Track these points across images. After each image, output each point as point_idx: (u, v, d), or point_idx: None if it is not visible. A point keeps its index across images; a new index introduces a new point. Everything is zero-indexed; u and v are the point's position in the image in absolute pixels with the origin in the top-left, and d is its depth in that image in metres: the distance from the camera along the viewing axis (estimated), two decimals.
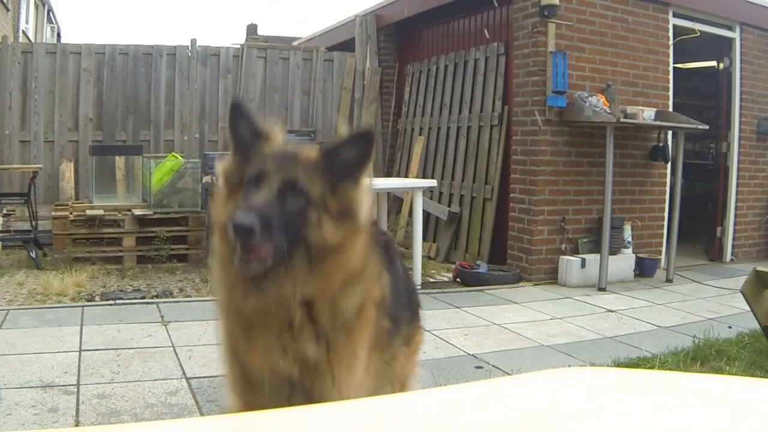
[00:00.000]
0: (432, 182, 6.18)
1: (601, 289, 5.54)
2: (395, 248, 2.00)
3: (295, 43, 10.82)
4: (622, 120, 5.57)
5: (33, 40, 15.78)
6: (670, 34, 6.48)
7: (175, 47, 7.83)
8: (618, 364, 3.52)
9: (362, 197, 1.51)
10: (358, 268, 1.50)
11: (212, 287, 1.62)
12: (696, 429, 0.64)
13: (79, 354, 3.47)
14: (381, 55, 8.53)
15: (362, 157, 1.51)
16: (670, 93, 6.50)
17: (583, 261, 5.72)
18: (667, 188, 6.59)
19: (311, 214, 1.45)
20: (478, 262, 6.08)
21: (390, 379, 1.81)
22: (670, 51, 6.48)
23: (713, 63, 7.76)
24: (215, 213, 1.56)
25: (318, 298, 1.46)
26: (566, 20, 5.82)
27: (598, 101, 5.65)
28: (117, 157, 7.23)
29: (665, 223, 6.53)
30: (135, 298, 4.82)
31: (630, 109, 5.83)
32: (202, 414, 2.78)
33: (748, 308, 3.79)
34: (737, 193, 7.21)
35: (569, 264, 5.72)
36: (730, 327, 4.32)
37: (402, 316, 1.83)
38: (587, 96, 5.70)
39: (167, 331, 3.96)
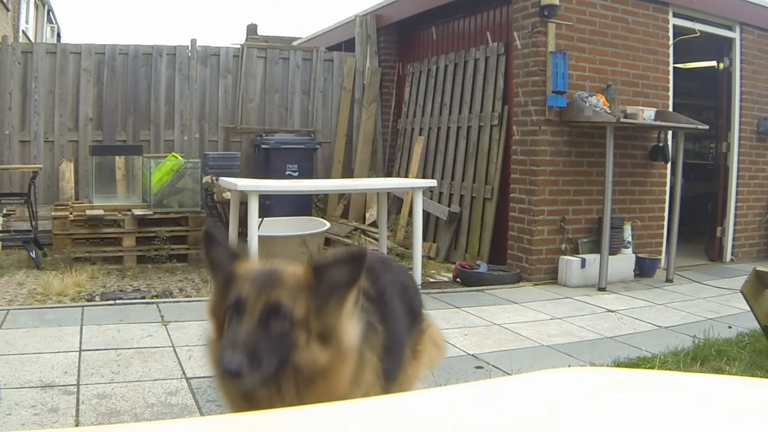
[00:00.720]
0: (432, 182, 6.17)
1: (601, 289, 5.54)
2: (386, 279, 1.90)
3: (295, 43, 10.82)
4: (622, 120, 5.57)
5: (33, 40, 15.78)
6: (670, 34, 6.48)
7: (175, 47, 7.83)
8: (618, 364, 3.52)
9: (347, 322, 1.46)
10: (346, 394, 1.47)
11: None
12: (696, 429, 0.64)
13: (79, 354, 3.47)
14: (381, 55, 8.53)
15: (351, 279, 1.45)
16: (670, 93, 6.50)
17: (583, 261, 5.72)
18: (667, 188, 6.59)
19: (298, 336, 1.41)
20: (478, 262, 6.08)
21: (398, 387, 1.83)
22: (670, 51, 6.48)
23: (713, 63, 7.76)
24: (210, 351, 1.55)
25: None
26: (566, 20, 5.82)
27: (598, 101, 5.65)
28: (117, 157, 7.23)
29: (665, 223, 6.53)
30: (135, 298, 4.82)
31: (630, 109, 5.83)
32: (202, 414, 2.78)
33: (748, 308, 3.79)
34: (737, 193, 7.21)
35: (569, 264, 5.72)
36: (730, 327, 4.32)
37: (401, 353, 1.84)
38: (587, 96, 5.70)
39: (167, 331, 3.96)
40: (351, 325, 1.47)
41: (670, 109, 6.41)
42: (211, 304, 1.54)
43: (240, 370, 1.33)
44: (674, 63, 6.58)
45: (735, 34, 7.04)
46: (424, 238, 6.54)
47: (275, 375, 1.39)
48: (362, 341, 1.53)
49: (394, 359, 1.76)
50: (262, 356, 1.36)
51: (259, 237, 5.02)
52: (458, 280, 5.78)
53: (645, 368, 3.35)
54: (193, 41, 7.87)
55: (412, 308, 2.03)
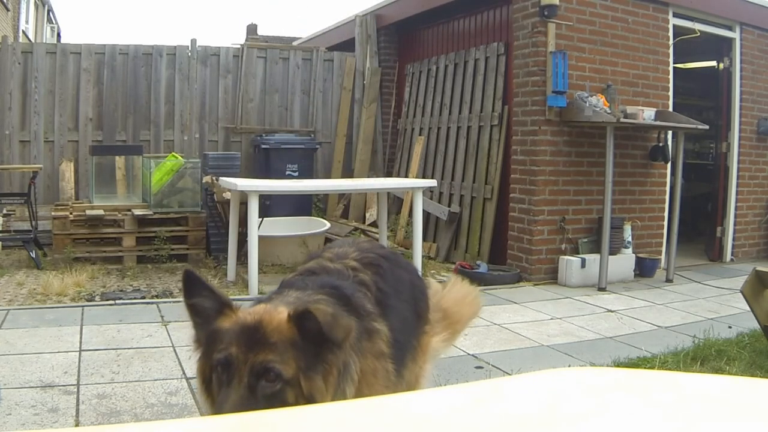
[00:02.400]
0: (432, 182, 6.17)
1: (601, 289, 5.54)
2: (388, 275, 1.87)
3: (295, 43, 10.82)
4: (622, 120, 5.57)
5: (33, 40, 15.78)
6: (670, 34, 6.48)
7: (175, 47, 7.82)
8: (618, 364, 3.52)
9: (329, 390, 1.40)
10: None
11: None
12: (696, 429, 0.64)
13: (79, 354, 3.47)
14: (381, 55, 8.53)
15: (335, 345, 1.39)
16: (670, 93, 6.50)
17: (583, 261, 5.72)
18: (667, 188, 6.59)
19: (288, 395, 1.37)
20: (478, 262, 6.08)
21: (402, 389, 1.82)
22: (670, 51, 6.48)
23: (713, 63, 7.76)
24: (204, 408, 1.49)
25: None
26: (566, 20, 5.82)
27: (598, 101, 5.65)
28: (117, 157, 7.23)
29: (665, 223, 6.53)
30: (135, 298, 4.82)
31: (630, 109, 5.83)
32: (202, 414, 2.78)
33: (748, 308, 3.79)
34: (737, 193, 7.21)
35: (569, 264, 5.72)
36: (730, 327, 4.32)
37: (409, 346, 1.83)
38: (587, 96, 5.70)
39: (167, 331, 3.96)
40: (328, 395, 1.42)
41: (670, 109, 6.41)
42: (198, 366, 1.49)
43: None
44: (674, 63, 6.58)
45: (735, 34, 7.04)
46: (424, 238, 6.54)
47: None
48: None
49: (401, 357, 1.76)
50: None
51: (259, 237, 5.03)
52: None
53: (645, 368, 3.35)
54: (193, 41, 7.87)
55: (418, 307, 2.02)
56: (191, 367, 3.30)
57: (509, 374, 3.35)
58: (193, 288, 1.49)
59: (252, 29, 18.53)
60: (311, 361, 1.40)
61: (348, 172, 8.32)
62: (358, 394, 1.52)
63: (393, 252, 2.12)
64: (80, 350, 3.54)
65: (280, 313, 1.44)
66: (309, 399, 1.39)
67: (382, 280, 1.80)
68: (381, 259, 1.88)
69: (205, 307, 1.48)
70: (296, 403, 1.37)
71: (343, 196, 8.18)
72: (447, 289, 2.34)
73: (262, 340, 1.38)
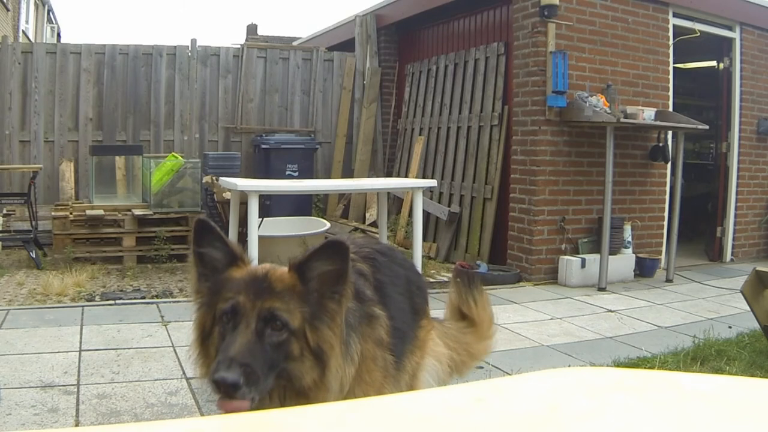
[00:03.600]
0: (432, 182, 6.16)
1: (601, 289, 5.54)
2: (384, 268, 1.89)
3: (295, 43, 10.83)
4: (622, 120, 5.57)
5: (33, 40, 15.78)
6: (670, 34, 6.48)
7: (175, 47, 7.83)
8: (618, 364, 3.52)
9: (342, 359, 1.41)
10: None
11: None
12: (696, 429, 0.64)
13: (79, 354, 3.47)
14: (381, 55, 8.53)
15: (337, 274, 1.41)
16: (670, 93, 6.50)
17: (583, 261, 5.72)
18: (667, 188, 6.59)
19: (293, 346, 1.38)
20: (478, 262, 6.08)
21: (404, 380, 1.83)
22: (670, 51, 6.48)
23: (713, 63, 7.76)
24: (194, 354, 1.49)
25: None
26: (566, 20, 5.82)
27: (598, 101, 5.65)
28: (117, 157, 7.23)
29: (665, 223, 6.53)
30: (135, 298, 4.82)
31: (630, 109, 5.83)
32: (202, 414, 2.78)
33: (748, 308, 3.79)
34: (737, 193, 7.21)
35: (569, 264, 5.72)
36: (730, 327, 4.32)
37: (407, 337, 1.84)
38: (587, 96, 5.70)
39: (167, 331, 3.96)
40: (342, 365, 1.43)
41: (670, 109, 6.41)
42: (198, 317, 1.48)
43: (237, 383, 1.28)
44: (674, 63, 6.58)
45: (735, 34, 7.04)
46: (424, 238, 6.54)
47: (268, 392, 1.37)
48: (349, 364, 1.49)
49: (401, 348, 1.77)
50: (258, 373, 1.33)
51: (259, 237, 5.02)
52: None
53: (645, 368, 3.35)
54: (193, 41, 7.87)
55: (414, 302, 2.02)
56: (191, 367, 3.31)
57: (509, 374, 3.35)
58: (204, 237, 1.50)
59: (252, 29, 18.51)
60: (315, 310, 1.41)
61: (348, 172, 8.32)
62: (358, 377, 1.53)
63: (389, 247, 2.14)
64: (80, 350, 3.54)
65: (283, 268, 1.48)
66: (316, 352, 1.39)
67: (379, 272, 1.83)
68: (376, 254, 1.91)
69: (213, 258, 1.49)
70: (301, 356, 1.38)
71: (343, 196, 8.18)
72: (470, 333, 2.34)
73: (269, 289, 1.41)
